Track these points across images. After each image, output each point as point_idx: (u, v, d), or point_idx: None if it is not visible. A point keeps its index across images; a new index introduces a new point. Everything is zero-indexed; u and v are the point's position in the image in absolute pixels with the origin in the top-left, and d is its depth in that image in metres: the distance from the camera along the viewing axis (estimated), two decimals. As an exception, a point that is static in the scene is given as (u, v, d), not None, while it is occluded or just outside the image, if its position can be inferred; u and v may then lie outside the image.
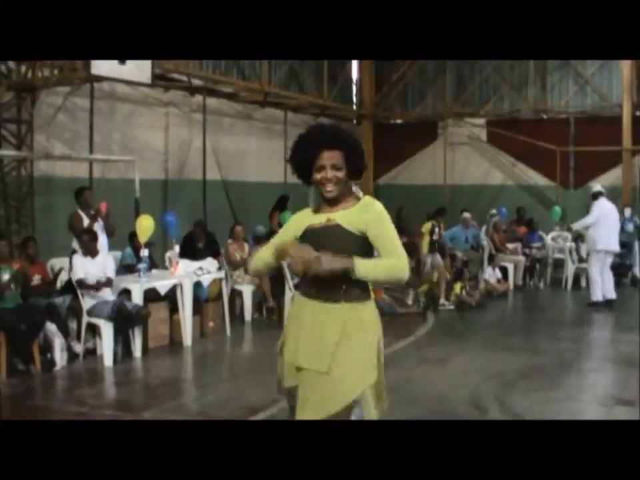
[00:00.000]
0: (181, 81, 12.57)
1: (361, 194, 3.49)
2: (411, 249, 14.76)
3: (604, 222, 11.54)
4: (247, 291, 10.27)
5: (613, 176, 17.46)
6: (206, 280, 9.18)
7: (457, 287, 11.78)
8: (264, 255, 3.52)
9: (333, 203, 3.43)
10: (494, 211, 15.57)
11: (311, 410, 3.30)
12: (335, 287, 3.33)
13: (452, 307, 11.59)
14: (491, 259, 13.59)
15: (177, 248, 9.62)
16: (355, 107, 19.51)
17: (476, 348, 8.80)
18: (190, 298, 8.78)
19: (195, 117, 13.24)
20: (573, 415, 6.13)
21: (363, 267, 3.23)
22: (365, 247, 3.34)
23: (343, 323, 3.34)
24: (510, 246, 14.66)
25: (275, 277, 10.33)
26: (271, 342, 9.01)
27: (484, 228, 14.56)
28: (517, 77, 18.18)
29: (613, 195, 17.02)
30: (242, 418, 5.92)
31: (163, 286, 8.61)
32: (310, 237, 3.40)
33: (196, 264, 9.26)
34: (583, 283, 13.93)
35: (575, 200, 17.20)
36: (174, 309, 8.80)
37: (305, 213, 3.57)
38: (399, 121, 19.62)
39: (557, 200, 17.28)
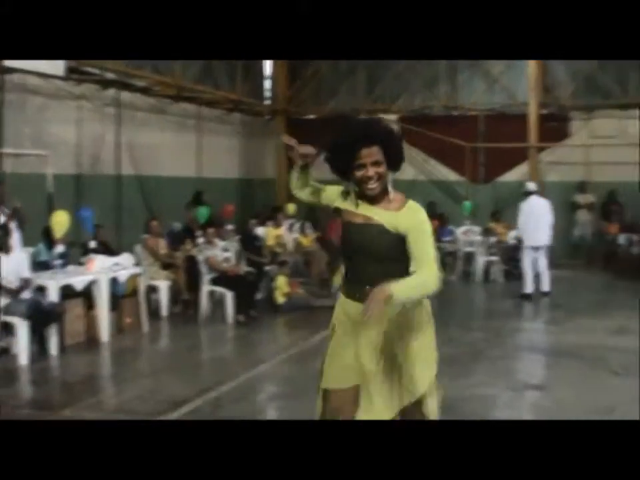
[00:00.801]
0: (94, 74, 12.38)
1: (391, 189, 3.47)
2: (328, 243, 15.00)
3: (531, 218, 12.06)
4: (163, 286, 10.23)
5: (520, 171, 17.98)
6: (122, 276, 9.12)
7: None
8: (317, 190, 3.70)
9: (375, 198, 3.43)
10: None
11: (382, 406, 3.35)
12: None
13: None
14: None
15: (92, 244, 9.53)
16: (268, 102, 19.54)
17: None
18: (106, 294, 8.71)
19: (109, 111, 13.05)
20: (486, 400, 6.36)
21: (401, 293, 3.20)
22: (400, 248, 3.37)
23: (398, 324, 3.43)
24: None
25: (191, 272, 10.35)
26: (188, 336, 9.22)
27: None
28: (428, 75, 18.49)
29: (520, 190, 17.58)
30: (164, 412, 5.92)
31: (79, 282, 8.51)
32: (352, 231, 3.45)
33: (112, 260, 9.18)
34: (492, 276, 14.35)
35: (484, 195, 17.66)
36: (90, 305, 8.71)
37: (346, 193, 3.59)
38: (312, 116, 19.75)
39: (467, 195, 17.71)
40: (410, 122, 18.40)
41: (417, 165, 18.78)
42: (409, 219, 3.38)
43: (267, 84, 19.57)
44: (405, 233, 3.35)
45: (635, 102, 17.26)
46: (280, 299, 10.84)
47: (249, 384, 7.04)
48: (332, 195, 3.63)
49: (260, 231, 12.76)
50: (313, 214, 16.17)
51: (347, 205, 3.52)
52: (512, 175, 18.17)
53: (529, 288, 12.15)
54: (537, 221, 12.13)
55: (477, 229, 15.61)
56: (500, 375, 7.37)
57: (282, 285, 10.94)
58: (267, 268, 11.62)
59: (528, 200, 12.41)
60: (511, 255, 14.68)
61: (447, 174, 18.64)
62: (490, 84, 18.25)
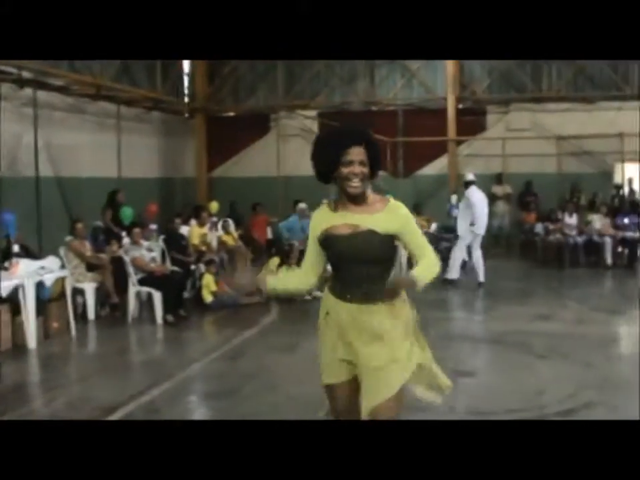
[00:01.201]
0: (10, 73, 12.08)
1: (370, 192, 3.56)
2: (250, 239, 14.98)
3: (478, 207, 12.44)
4: (89, 288, 10.05)
5: (439, 165, 18.36)
6: (49, 279, 8.91)
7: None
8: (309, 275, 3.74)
9: (356, 202, 3.48)
10: (326, 201, 15.88)
11: (382, 392, 3.41)
12: (374, 291, 3.47)
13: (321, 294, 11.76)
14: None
15: (16, 247, 9.31)
16: (187, 100, 19.39)
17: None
18: (32, 298, 8.51)
19: (26, 111, 12.77)
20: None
21: (421, 278, 3.42)
22: (388, 247, 3.48)
23: (383, 320, 3.49)
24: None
25: (117, 273, 10.21)
26: (117, 339, 9.10)
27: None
28: (347, 71, 18.67)
29: (440, 182, 17.94)
30: (97, 418, 5.85)
31: (3, 287, 8.29)
32: (341, 243, 3.47)
33: (37, 263, 8.98)
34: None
35: (404, 188, 17.87)
36: (16, 310, 8.50)
37: (323, 213, 3.63)
38: (231, 114, 19.68)
39: (389, 189, 17.89)
40: (329, 118, 18.47)
41: (337, 160, 18.88)
42: (395, 218, 3.49)
43: (186, 82, 19.41)
44: (397, 232, 3.47)
45: (548, 96, 17.79)
46: (208, 298, 10.80)
47: (182, 385, 7.00)
48: (316, 229, 3.63)
49: (184, 229, 12.66)
50: (235, 211, 16.16)
51: (330, 222, 3.53)
52: (431, 169, 18.53)
53: (453, 274, 12.46)
54: (482, 209, 12.53)
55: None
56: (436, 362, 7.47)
57: (209, 284, 10.90)
58: (193, 267, 11.54)
59: (471, 190, 12.67)
60: (434, 247, 14.89)
61: (367, 168, 18.78)
62: (408, 79, 18.53)
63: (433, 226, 15.64)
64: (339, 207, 3.55)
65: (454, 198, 15.96)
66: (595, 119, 17.44)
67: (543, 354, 7.74)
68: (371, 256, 3.46)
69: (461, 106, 18.08)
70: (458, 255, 12.62)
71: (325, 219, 3.58)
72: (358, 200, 3.50)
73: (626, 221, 14.92)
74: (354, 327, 3.49)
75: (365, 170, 3.43)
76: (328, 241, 3.52)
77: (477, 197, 12.58)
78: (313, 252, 3.68)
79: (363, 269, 3.47)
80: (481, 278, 12.52)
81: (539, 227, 15.81)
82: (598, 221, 14.97)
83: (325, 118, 18.56)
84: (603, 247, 14.64)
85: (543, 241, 15.51)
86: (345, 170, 3.40)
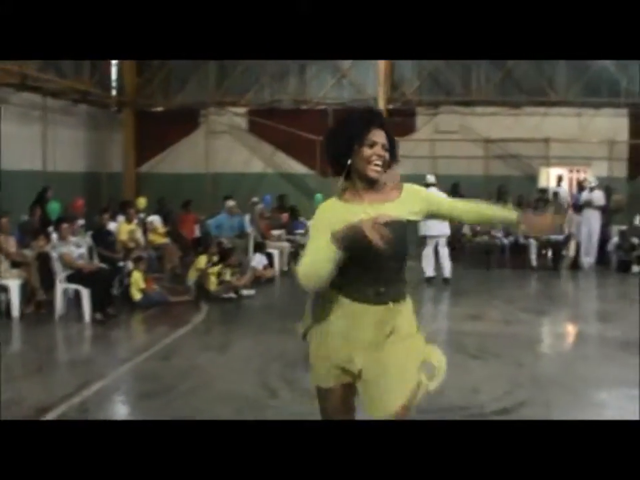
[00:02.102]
0: None
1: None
2: (178, 237, 14.79)
3: None
4: (14, 285, 9.75)
5: (372, 164, 18.42)
6: (-28, 276, 8.65)
7: (227, 274, 11.84)
8: (326, 256, 3.00)
9: (373, 189, 3.20)
10: (256, 199, 15.90)
11: (393, 397, 3.18)
12: (402, 288, 3.31)
13: (252, 293, 11.73)
14: (257, 246, 13.83)
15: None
16: (115, 93, 19.04)
17: (254, 332, 8.98)
18: (-45, 295, 8.24)
19: (-53, 101, 12.37)
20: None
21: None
22: (406, 238, 3.24)
23: (410, 316, 3.36)
24: (274, 233, 15.02)
25: (44, 270, 9.95)
26: (45, 337, 8.85)
27: (248, 216, 14.77)
28: (278, 68, 18.60)
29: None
30: (30, 419, 5.66)
31: None
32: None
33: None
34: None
35: (333, 188, 17.87)
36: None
37: (336, 207, 3.22)
38: (160, 109, 19.41)
39: (318, 188, 17.91)
40: (259, 115, 18.46)
41: (266, 158, 18.88)
42: (418, 198, 3.29)
43: (114, 74, 19.06)
44: (428, 211, 3.31)
45: (477, 99, 18.05)
46: (136, 296, 10.60)
47: (114, 385, 6.82)
48: (332, 225, 3.07)
49: (112, 226, 12.42)
50: (164, 208, 15.94)
51: (349, 215, 3.08)
52: (361, 168, 18.56)
53: (429, 272, 12.74)
54: None
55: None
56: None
57: (138, 281, 10.70)
58: (121, 264, 11.32)
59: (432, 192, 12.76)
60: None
61: (296, 167, 18.83)
62: (339, 79, 18.57)
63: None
64: (353, 198, 3.22)
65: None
66: (522, 123, 17.84)
67: (475, 353, 7.84)
68: (402, 248, 3.19)
69: (390, 106, 18.19)
70: (426, 252, 12.83)
71: (340, 212, 3.15)
72: (375, 187, 3.21)
73: (550, 222, 15.20)
74: (380, 329, 3.22)
75: (387, 155, 3.18)
76: (356, 235, 2.98)
77: None
78: (326, 249, 3.06)
79: (393, 264, 3.21)
80: (447, 274, 12.78)
81: (466, 228, 16.03)
82: (522, 224, 15.24)
83: (255, 115, 18.51)
84: (528, 249, 14.94)
85: (471, 242, 15.73)
86: (368, 151, 3.13)
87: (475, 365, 7.46)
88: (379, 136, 3.17)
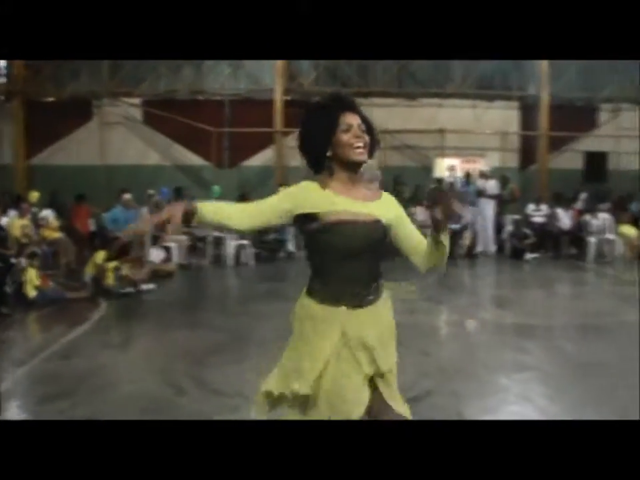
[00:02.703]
0: None
1: None
2: (72, 231, 14.39)
3: None
4: None
5: (265, 156, 18.39)
6: None
7: (125, 268, 11.59)
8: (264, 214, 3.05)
9: (355, 184, 3.08)
10: (152, 191, 15.63)
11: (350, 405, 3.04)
12: (379, 288, 3.19)
13: (152, 287, 11.49)
14: (154, 240, 13.59)
15: None
16: (4, 82, 18.34)
17: (156, 329, 8.82)
18: None
19: None
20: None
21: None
22: (384, 240, 3.14)
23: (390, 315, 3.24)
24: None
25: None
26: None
27: (144, 208, 14.50)
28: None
29: (266, 174, 17.98)
30: None
31: None
32: (356, 231, 2.99)
33: None
34: (243, 259, 14.55)
35: (229, 179, 17.80)
36: None
37: (316, 190, 3.04)
38: (51, 99, 18.78)
39: (214, 180, 17.76)
40: (154, 106, 18.14)
41: (162, 149, 18.58)
42: (393, 206, 3.18)
43: (3, 62, 18.34)
44: (394, 222, 3.15)
45: (374, 90, 18.21)
46: (31, 293, 10.25)
47: (12, 388, 6.55)
48: (304, 206, 3.04)
49: (3, 221, 11.98)
50: (57, 201, 15.48)
51: (328, 204, 3.01)
52: (257, 160, 18.54)
53: None
54: None
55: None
56: (272, 357, 7.43)
57: (32, 278, 10.35)
58: (14, 260, 10.91)
59: None
60: (260, 238, 15.01)
61: (193, 159, 18.60)
62: (235, 69, 18.40)
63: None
64: (335, 188, 3.07)
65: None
66: (418, 115, 18.13)
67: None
68: (377, 247, 3.08)
69: (288, 98, 18.17)
70: None
71: (320, 198, 3.03)
72: (358, 183, 3.09)
73: (446, 213, 15.50)
74: (364, 332, 3.09)
75: (366, 137, 3.03)
76: (331, 229, 2.98)
77: None
78: (269, 209, 3.09)
79: (364, 263, 3.09)
80: None
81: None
82: (420, 214, 15.48)
83: (150, 106, 18.17)
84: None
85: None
86: (344, 137, 3.00)
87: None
88: (352, 118, 3.04)
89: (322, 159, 3.06)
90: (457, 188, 16.73)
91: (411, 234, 3.22)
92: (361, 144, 3.00)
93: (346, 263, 3.03)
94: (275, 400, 3.25)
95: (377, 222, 3.05)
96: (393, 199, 3.22)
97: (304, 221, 3.05)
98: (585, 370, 6.89)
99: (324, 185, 3.06)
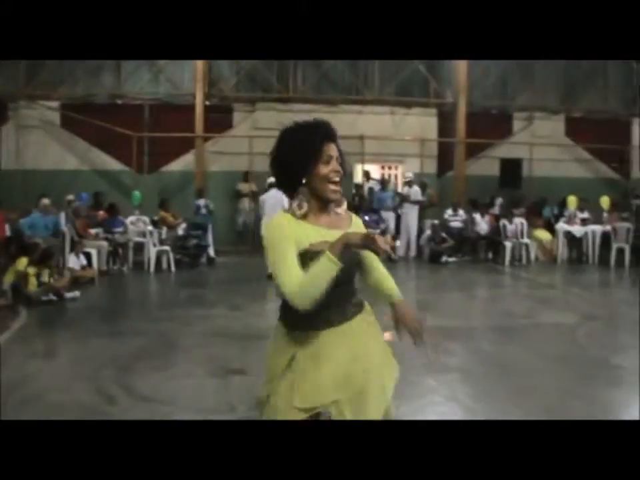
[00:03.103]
0: None
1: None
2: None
3: (268, 208, 12.66)
4: None
5: (185, 161, 18.33)
6: None
7: (45, 275, 11.40)
8: (326, 272, 2.73)
9: (327, 212, 3.00)
10: (71, 197, 15.44)
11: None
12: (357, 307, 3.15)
13: (77, 295, 11.30)
14: (74, 246, 13.40)
15: None
16: None
17: (80, 336, 8.69)
18: None
19: None
20: (194, 389, 6.44)
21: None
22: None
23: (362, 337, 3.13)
24: (92, 232, 14.62)
25: None
26: None
27: (63, 214, 14.29)
28: (93, 62, 18.02)
29: (186, 179, 17.92)
30: None
31: None
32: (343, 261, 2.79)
33: None
34: (164, 265, 14.49)
35: (149, 184, 17.67)
36: None
37: (296, 224, 2.92)
38: (-36, 103, 18.32)
39: (133, 185, 17.60)
40: (73, 110, 17.88)
41: (81, 154, 18.32)
42: (361, 227, 3.14)
43: None
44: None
45: (294, 96, 18.36)
46: (-52, 302, 10.01)
47: None
48: (300, 242, 2.89)
49: None
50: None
51: (310, 236, 2.91)
52: (177, 165, 18.47)
53: None
54: (272, 212, 12.85)
55: (146, 218, 15.61)
56: (199, 362, 7.48)
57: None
58: None
59: (269, 192, 12.98)
60: (181, 244, 14.99)
61: (112, 163, 18.41)
62: (155, 74, 18.29)
63: (183, 225, 15.63)
64: (308, 218, 2.97)
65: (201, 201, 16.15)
66: (338, 121, 18.06)
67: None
68: (353, 273, 3.07)
69: (208, 103, 18.15)
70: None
71: (303, 229, 2.92)
72: (329, 209, 3.01)
73: (367, 218, 15.75)
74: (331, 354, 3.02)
75: (341, 170, 2.97)
76: (311, 260, 2.83)
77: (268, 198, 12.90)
78: (294, 257, 2.86)
79: (345, 288, 3.06)
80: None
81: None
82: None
83: (68, 110, 17.89)
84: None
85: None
86: (325, 169, 2.91)
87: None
88: (333, 149, 2.96)
89: (297, 185, 2.96)
90: (375, 193, 17.00)
91: (373, 259, 3.25)
92: (337, 179, 2.94)
93: (335, 291, 2.86)
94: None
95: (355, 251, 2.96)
96: (359, 220, 3.19)
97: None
98: (505, 370, 7.14)
99: (296, 216, 2.95)
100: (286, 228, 2.88)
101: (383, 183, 17.42)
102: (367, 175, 18.20)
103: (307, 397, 2.97)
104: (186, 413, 5.72)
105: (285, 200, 3.13)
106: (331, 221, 3.00)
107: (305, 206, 2.94)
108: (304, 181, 2.95)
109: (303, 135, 2.96)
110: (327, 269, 2.72)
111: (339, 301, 3.01)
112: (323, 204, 2.99)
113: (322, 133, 2.96)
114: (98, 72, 18.20)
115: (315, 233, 2.91)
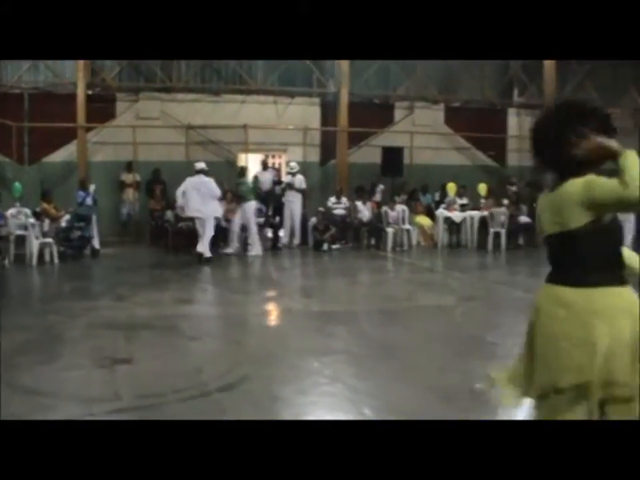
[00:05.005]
0: None
1: None
2: None
3: (193, 193, 14.03)
4: None
5: (68, 152, 17.97)
6: None
7: None
8: None
9: None
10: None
11: None
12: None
13: None
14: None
15: None
16: None
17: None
18: None
19: None
20: (82, 380, 6.41)
21: None
22: None
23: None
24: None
25: None
26: None
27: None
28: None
29: (68, 169, 17.57)
30: None
31: None
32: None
33: None
34: (47, 258, 14.21)
35: (31, 176, 17.25)
36: None
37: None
38: None
39: (14, 176, 17.12)
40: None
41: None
42: None
43: None
44: None
45: (177, 86, 18.28)
46: None
47: None
48: None
49: None
50: None
51: None
52: (59, 155, 18.08)
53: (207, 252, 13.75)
54: (203, 195, 13.89)
55: (28, 211, 15.25)
56: (85, 354, 7.44)
57: None
58: None
59: (192, 177, 14.15)
60: (65, 236, 14.73)
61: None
62: (35, 62, 17.77)
63: (67, 216, 15.34)
64: None
65: (92, 187, 15.82)
66: (221, 110, 18.38)
67: (193, 335, 8.09)
68: None
69: (90, 92, 17.85)
70: (208, 233, 13.82)
71: None
72: None
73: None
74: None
75: None
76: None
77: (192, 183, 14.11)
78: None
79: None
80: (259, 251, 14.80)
81: (168, 214, 16.24)
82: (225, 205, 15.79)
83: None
84: (228, 234, 15.58)
85: (174, 228, 15.95)
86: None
87: (194, 346, 7.72)
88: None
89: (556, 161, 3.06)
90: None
91: None
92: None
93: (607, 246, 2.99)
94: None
95: None
96: None
97: None
98: (387, 351, 7.43)
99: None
100: None
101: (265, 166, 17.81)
102: (264, 164, 18.06)
103: None
104: (68, 403, 5.72)
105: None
106: None
107: None
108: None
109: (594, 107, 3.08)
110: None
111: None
112: None
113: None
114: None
115: None
